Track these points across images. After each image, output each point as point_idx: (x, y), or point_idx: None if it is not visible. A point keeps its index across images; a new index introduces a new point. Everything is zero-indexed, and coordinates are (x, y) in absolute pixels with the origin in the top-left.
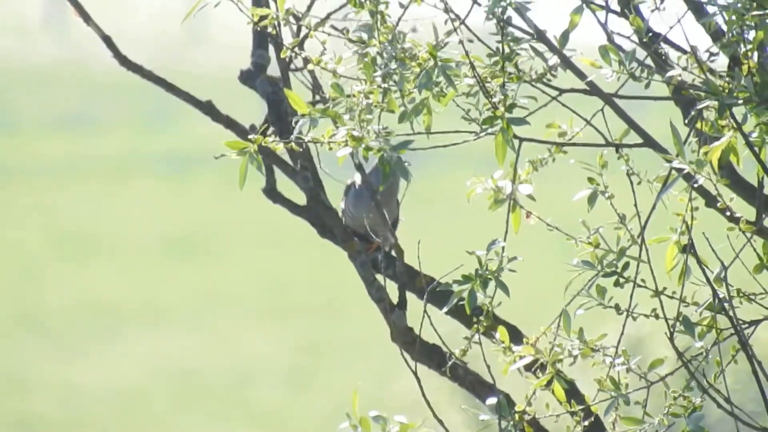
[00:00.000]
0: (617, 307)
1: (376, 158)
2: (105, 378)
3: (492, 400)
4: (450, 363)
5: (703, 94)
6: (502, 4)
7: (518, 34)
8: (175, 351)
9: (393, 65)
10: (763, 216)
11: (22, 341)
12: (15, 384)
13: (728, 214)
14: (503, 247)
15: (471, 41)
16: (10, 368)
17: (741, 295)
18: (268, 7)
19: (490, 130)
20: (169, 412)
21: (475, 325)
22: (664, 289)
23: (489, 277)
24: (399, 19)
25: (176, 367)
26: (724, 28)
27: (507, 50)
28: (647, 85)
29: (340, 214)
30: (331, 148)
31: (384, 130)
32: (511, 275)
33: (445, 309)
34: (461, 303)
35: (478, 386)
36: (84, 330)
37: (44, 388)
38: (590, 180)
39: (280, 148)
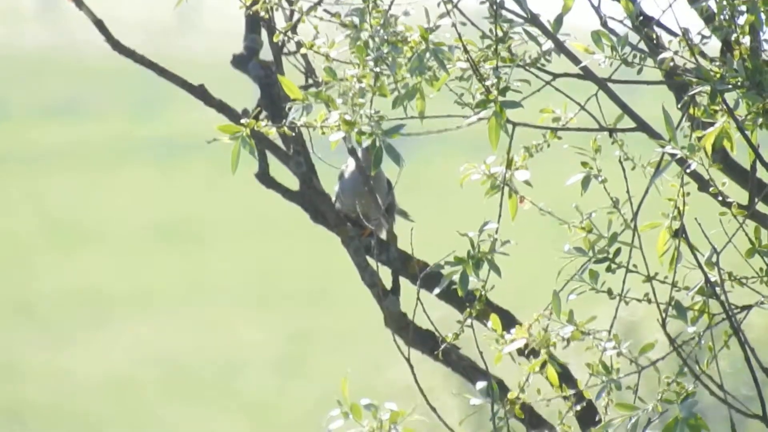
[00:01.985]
0: (609, 292)
1: (368, 142)
2: (95, 365)
3: (482, 384)
4: (442, 347)
5: (695, 79)
6: None
7: (511, 17)
8: (165, 339)
9: (385, 49)
10: (756, 200)
11: (12, 328)
12: (4, 371)
13: (720, 198)
14: (496, 229)
15: (464, 24)
16: (0, 355)
17: (732, 278)
18: None
19: (483, 114)
20: (158, 400)
21: (468, 309)
22: (656, 274)
23: (481, 258)
24: (391, 3)
25: (166, 354)
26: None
27: (500, 33)
28: (640, 71)
29: (333, 198)
30: (323, 133)
31: (376, 114)
32: (505, 260)
33: (437, 291)
34: (454, 287)
35: (471, 372)
36: (74, 317)
37: (34, 375)
38: (583, 164)
39: (272, 133)
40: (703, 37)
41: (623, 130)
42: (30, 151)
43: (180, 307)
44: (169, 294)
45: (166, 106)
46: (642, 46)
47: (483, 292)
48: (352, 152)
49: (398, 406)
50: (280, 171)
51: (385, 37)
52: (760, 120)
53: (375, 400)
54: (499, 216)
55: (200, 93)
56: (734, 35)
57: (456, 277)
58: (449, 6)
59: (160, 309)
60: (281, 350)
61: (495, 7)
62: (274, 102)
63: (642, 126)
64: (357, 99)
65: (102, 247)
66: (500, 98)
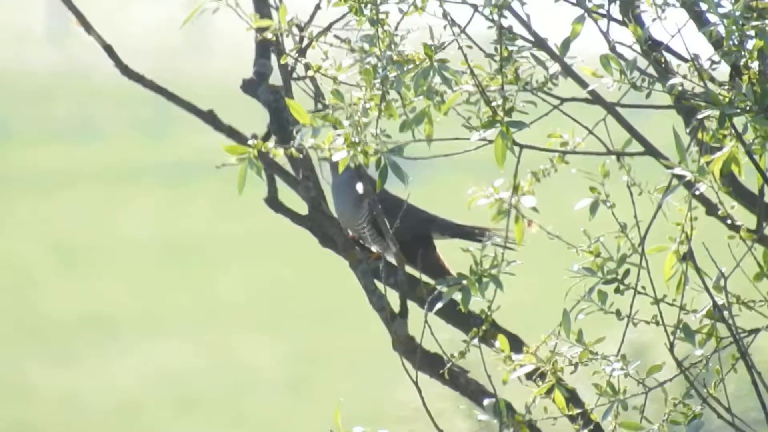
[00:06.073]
0: (618, 313)
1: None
2: (103, 387)
3: (490, 401)
4: (447, 366)
5: (703, 103)
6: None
7: (519, 41)
8: (174, 360)
9: (392, 74)
10: (764, 224)
11: (20, 349)
12: (12, 392)
13: (729, 222)
14: (504, 242)
15: (470, 47)
16: (8, 376)
17: (740, 302)
18: (270, 16)
19: (489, 134)
20: (166, 422)
21: (474, 330)
22: (664, 296)
23: (483, 274)
24: (398, 24)
25: (174, 376)
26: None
27: (506, 54)
28: (648, 95)
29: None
30: (330, 155)
31: (383, 133)
32: (512, 282)
33: (437, 307)
34: (459, 307)
35: (479, 395)
36: (82, 339)
37: (41, 396)
38: (591, 189)
39: (280, 154)
40: (713, 62)
41: (631, 154)
42: (38, 173)
43: (189, 329)
44: (178, 316)
45: (175, 128)
46: (650, 70)
47: (489, 313)
48: (359, 173)
49: (408, 429)
50: (288, 195)
51: (393, 57)
52: None
53: (374, 426)
54: (506, 238)
55: (209, 118)
56: (743, 60)
57: (458, 295)
58: (456, 30)
59: (169, 330)
60: (291, 371)
61: (501, 30)
62: (283, 127)
63: (650, 150)
64: (362, 119)
65: (110, 270)
66: (506, 119)
